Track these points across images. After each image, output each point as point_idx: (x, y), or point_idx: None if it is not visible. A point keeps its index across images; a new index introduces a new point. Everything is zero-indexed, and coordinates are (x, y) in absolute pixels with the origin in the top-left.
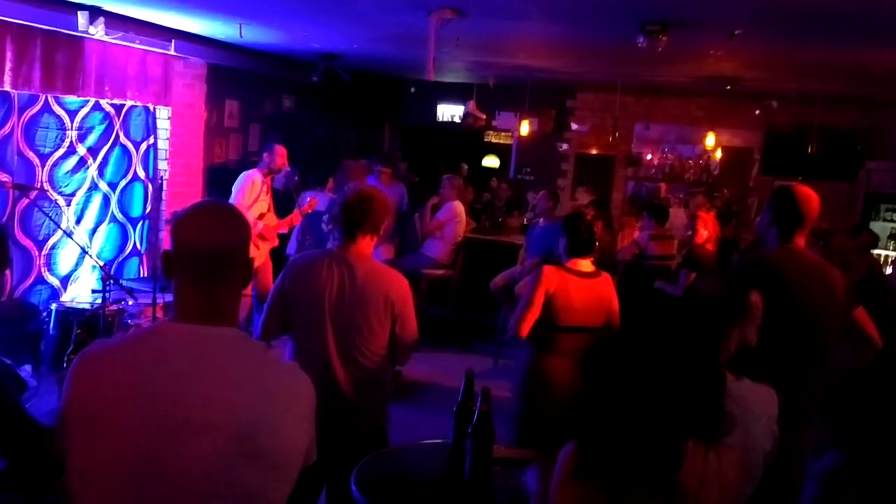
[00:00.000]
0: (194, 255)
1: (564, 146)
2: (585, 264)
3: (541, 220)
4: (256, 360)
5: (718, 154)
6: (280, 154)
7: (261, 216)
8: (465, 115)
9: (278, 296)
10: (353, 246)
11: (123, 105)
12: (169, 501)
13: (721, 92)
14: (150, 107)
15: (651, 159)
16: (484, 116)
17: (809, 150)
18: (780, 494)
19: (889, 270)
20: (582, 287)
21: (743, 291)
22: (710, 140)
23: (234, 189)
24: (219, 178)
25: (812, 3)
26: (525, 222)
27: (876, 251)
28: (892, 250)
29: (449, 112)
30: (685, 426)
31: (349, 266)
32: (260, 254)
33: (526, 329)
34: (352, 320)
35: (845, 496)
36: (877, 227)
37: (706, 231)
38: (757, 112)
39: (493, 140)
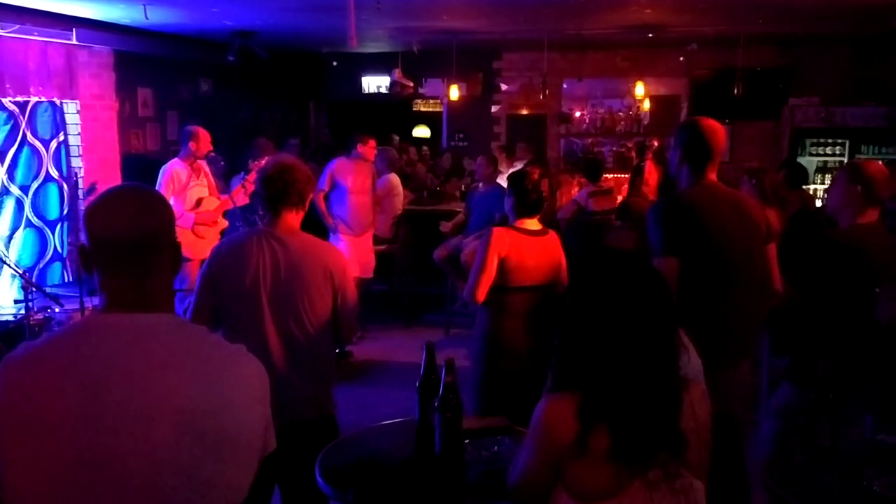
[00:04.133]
0: (112, 247)
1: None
2: (533, 223)
3: (480, 185)
4: (197, 344)
5: (647, 104)
6: (204, 139)
7: (199, 202)
8: (392, 84)
9: (206, 283)
10: (279, 221)
11: (28, 102)
12: (121, 498)
13: (644, 41)
14: (57, 101)
15: (582, 115)
16: (411, 84)
17: (736, 91)
18: (727, 434)
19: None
20: (533, 246)
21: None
22: (639, 89)
23: (157, 186)
24: (138, 171)
25: None
26: (463, 188)
27: (805, 185)
28: (821, 184)
29: (374, 83)
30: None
31: (280, 242)
32: (206, 242)
33: (482, 294)
34: (291, 298)
35: (807, 428)
36: (804, 162)
37: (651, 180)
38: (681, 59)
39: (423, 109)
